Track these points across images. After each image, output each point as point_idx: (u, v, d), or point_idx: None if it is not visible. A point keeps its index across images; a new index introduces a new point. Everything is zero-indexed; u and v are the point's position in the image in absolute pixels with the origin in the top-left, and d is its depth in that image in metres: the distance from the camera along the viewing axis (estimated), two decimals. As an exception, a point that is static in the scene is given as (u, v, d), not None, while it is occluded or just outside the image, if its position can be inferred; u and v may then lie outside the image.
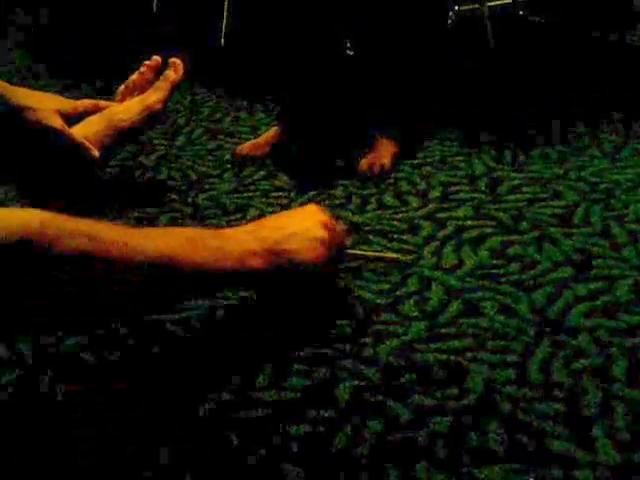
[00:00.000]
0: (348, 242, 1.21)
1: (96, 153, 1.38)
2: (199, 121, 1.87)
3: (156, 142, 1.75)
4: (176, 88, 1.50)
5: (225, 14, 2.32)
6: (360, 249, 1.29)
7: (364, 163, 1.57)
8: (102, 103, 1.48)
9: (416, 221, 1.39)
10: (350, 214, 1.42)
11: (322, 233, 1.06)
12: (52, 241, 0.84)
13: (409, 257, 1.27)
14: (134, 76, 1.52)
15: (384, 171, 1.56)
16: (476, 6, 2.31)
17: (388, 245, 1.32)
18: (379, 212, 1.43)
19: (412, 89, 1.63)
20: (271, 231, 1.03)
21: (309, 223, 1.07)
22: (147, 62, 1.52)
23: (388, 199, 1.47)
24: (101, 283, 0.89)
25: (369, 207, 1.45)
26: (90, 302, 0.90)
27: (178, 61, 1.50)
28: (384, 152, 1.60)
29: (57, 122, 1.35)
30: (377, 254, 1.27)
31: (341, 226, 1.16)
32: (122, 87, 1.52)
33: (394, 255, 1.27)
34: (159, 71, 1.51)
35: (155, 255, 0.92)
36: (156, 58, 1.52)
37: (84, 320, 1.00)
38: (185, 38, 2.39)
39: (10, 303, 0.85)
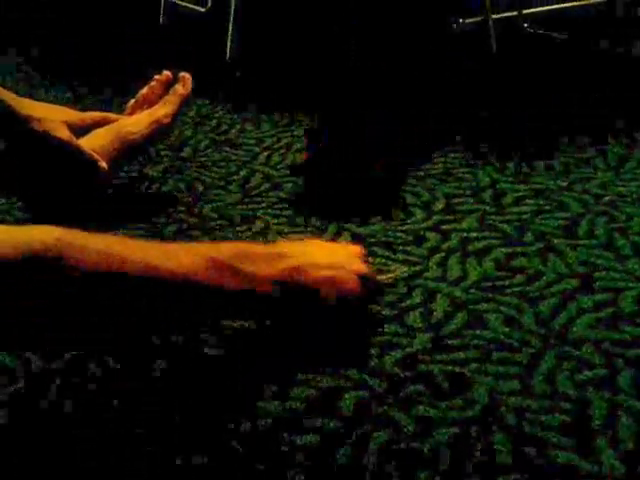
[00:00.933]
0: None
1: (104, 165, 1.39)
2: (205, 133, 1.87)
3: (162, 153, 1.75)
4: (185, 102, 1.51)
5: (231, 26, 2.34)
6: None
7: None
8: (111, 116, 1.49)
9: (421, 233, 1.39)
10: (355, 226, 1.43)
11: (358, 289, 1.05)
12: (67, 256, 0.87)
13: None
14: (144, 90, 1.53)
15: None
16: (480, 19, 2.32)
17: (392, 257, 1.32)
18: (384, 224, 1.43)
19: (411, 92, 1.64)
20: (318, 268, 1.02)
21: (349, 269, 1.05)
22: (157, 76, 1.53)
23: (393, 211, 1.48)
24: (114, 299, 0.90)
25: (374, 219, 1.45)
26: (102, 318, 0.92)
27: (188, 75, 1.51)
28: None
29: (64, 134, 1.35)
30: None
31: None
32: (132, 101, 1.53)
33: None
34: (169, 85, 1.52)
35: (173, 275, 0.92)
36: (166, 73, 1.54)
37: (95, 337, 1.01)
38: (192, 50, 2.40)
39: (24, 317, 0.87)
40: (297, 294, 1.01)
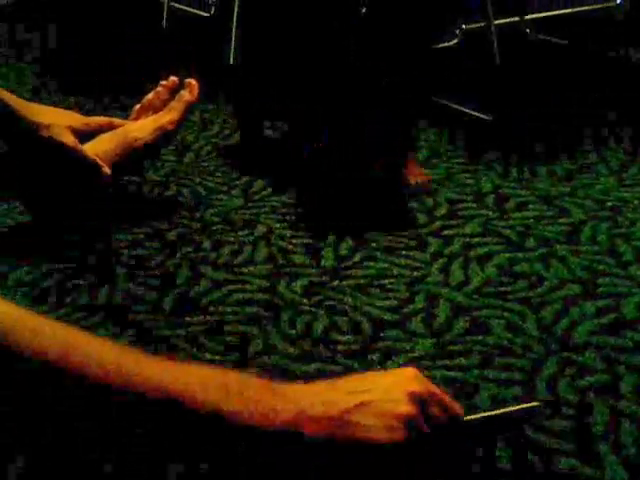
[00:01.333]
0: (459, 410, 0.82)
1: (107, 171, 1.39)
2: (207, 137, 1.87)
3: (165, 158, 1.75)
4: (190, 109, 1.52)
5: (234, 30, 2.34)
6: (480, 412, 0.91)
7: (411, 178, 1.57)
8: (116, 121, 1.49)
9: (423, 238, 1.39)
10: (357, 230, 1.43)
11: (406, 408, 0.76)
12: (24, 342, 0.69)
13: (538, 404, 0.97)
14: (150, 95, 1.53)
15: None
16: (483, 24, 2.32)
17: (395, 261, 1.32)
18: (386, 228, 1.43)
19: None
20: (342, 395, 0.77)
21: (393, 394, 0.78)
22: (163, 82, 1.54)
23: (395, 216, 1.48)
24: (74, 405, 0.71)
25: (376, 223, 1.45)
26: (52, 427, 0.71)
27: (194, 82, 1.51)
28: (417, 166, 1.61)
29: (69, 139, 1.36)
30: (504, 410, 0.89)
31: (444, 397, 0.81)
32: (137, 106, 1.53)
33: (527, 405, 0.93)
34: (175, 91, 1.52)
35: (161, 391, 0.71)
36: (173, 78, 1.54)
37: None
38: (195, 54, 2.40)
39: None
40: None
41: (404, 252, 1.35)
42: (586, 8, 2.65)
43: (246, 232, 1.44)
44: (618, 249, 1.33)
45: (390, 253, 1.35)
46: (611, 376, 1.03)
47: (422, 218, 1.46)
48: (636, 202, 1.48)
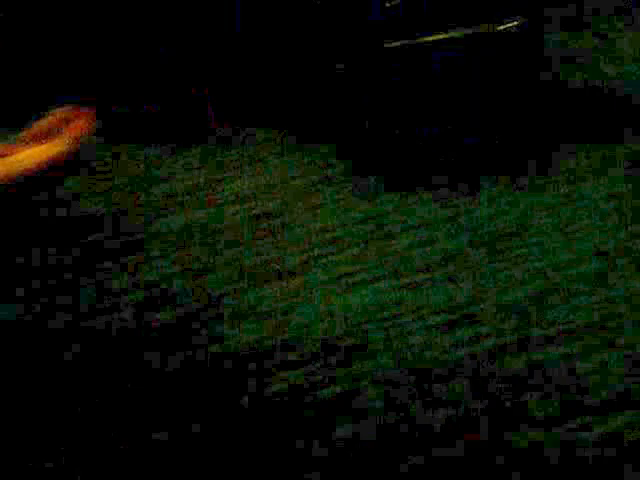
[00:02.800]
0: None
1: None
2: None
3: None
4: (80, 141, 1.48)
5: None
6: None
7: None
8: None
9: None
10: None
11: None
12: None
13: None
14: (41, 122, 1.48)
15: None
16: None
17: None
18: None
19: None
20: None
21: None
22: (55, 111, 1.49)
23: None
24: None
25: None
26: None
27: (86, 112, 1.47)
28: None
29: None
30: None
31: None
32: (26, 132, 1.48)
33: None
34: (68, 120, 1.48)
35: None
36: (67, 108, 1.49)
37: None
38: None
39: None
40: None
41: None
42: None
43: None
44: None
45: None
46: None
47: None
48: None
